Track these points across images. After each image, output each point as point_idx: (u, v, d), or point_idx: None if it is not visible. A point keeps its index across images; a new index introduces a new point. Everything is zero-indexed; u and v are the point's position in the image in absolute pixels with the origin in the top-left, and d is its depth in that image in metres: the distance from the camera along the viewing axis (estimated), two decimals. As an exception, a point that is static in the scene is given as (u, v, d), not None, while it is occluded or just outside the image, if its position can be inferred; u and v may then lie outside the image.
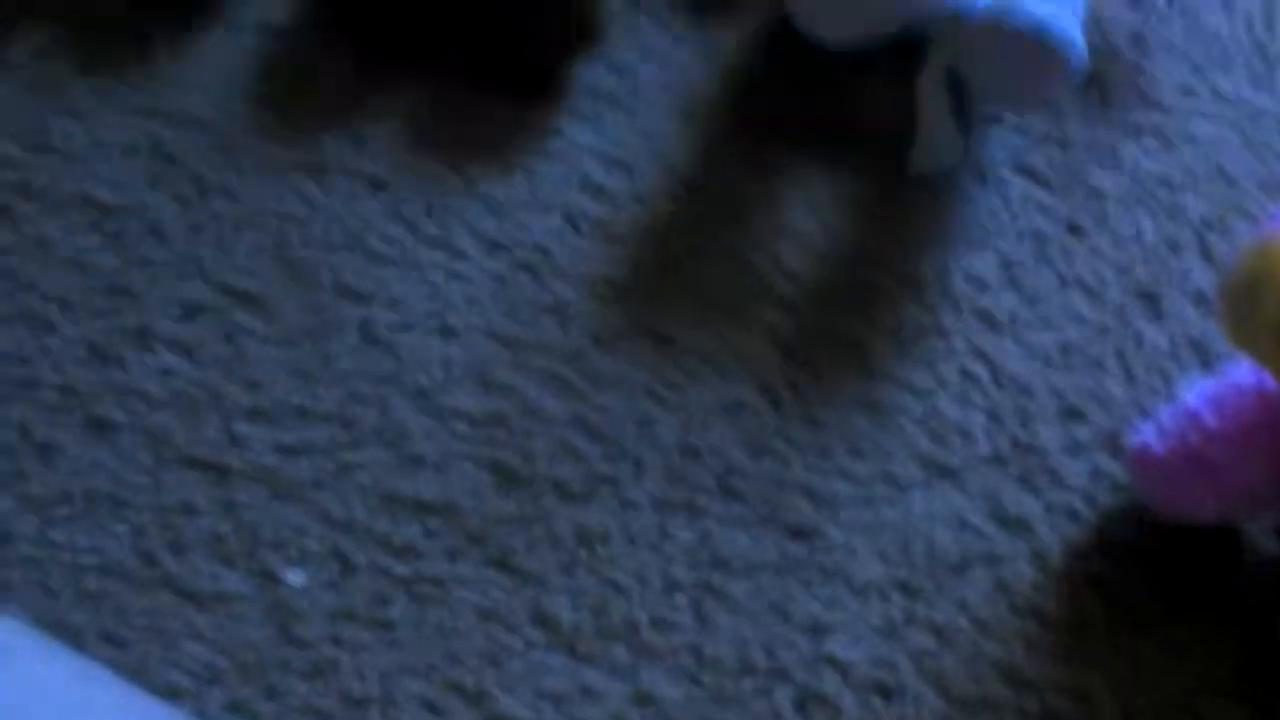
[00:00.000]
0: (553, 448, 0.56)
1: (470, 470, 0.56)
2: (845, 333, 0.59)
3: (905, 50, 0.62)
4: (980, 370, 0.59)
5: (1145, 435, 0.54)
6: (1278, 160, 0.65)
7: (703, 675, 0.52)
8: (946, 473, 0.57)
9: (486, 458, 0.56)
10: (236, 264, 0.59)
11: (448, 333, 0.58)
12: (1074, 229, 0.63)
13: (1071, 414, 0.58)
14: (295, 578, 0.53)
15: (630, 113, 0.64)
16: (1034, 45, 0.57)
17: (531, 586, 0.54)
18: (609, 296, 0.60)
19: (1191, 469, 0.53)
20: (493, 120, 0.63)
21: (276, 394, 0.56)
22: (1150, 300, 0.61)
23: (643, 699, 0.52)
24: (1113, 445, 0.57)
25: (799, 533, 0.55)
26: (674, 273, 0.60)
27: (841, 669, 0.53)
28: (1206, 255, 0.62)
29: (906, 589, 0.54)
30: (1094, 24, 0.64)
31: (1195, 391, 0.53)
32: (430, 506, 0.55)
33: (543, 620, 0.53)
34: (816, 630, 0.53)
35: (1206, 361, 0.59)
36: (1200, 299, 0.61)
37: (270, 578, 0.53)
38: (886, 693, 0.52)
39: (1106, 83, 0.65)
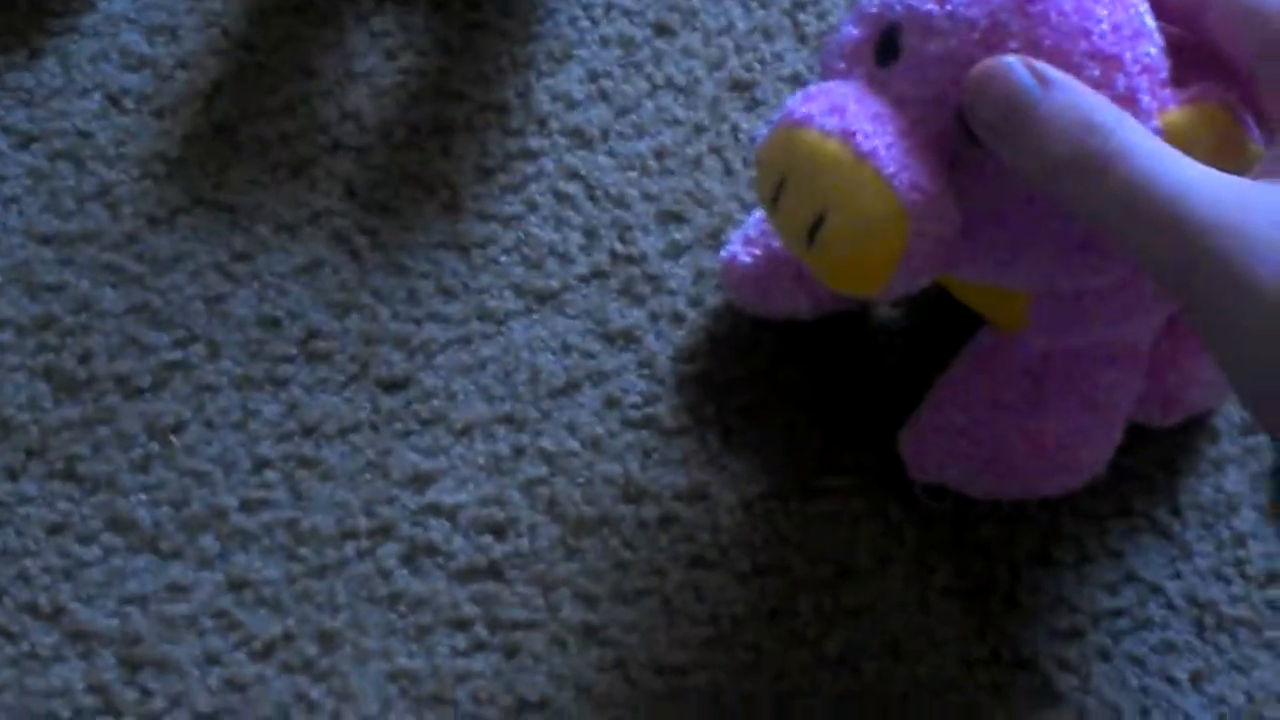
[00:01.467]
0: (113, 343, 0.52)
1: (22, 381, 0.51)
2: (425, 172, 0.56)
3: None
4: (573, 189, 0.56)
5: (732, 246, 0.52)
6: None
7: (301, 549, 0.49)
8: (545, 297, 0.54)
9: (39, 365, 0.51)
10: None
11: (-17, 239, 0.53)
12: (662, 29, 0.60)
13: (670, 218, 0.55)
14: None
15: (174, -21, 0.59)
16: None
17: (103, 492, 0.49)
18: (161, 173, 0.55)
19: (780, 272, 0.51)
20: (14, 4, 0.58)
21: None
22: (745, 90, 0.58)
23: (237, 584, 0.48)
24: (714, 243, 0.55)
25: (392, 385, 0.52)
26: (230, 137, 0.56)
27: (448, 514, 0.50)
28: (800, 38, 0.60)
29: (512, 421, 0.51)
30: None
31: None
32: (-19, 426, 0.50)
33: (119, 524, 0.49)
34: (418, 481, 0.50)
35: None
36: (796, 80, 0.59)
37: None
38: (499, 529, 0.49)
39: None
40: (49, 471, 0.50)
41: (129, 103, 0.56)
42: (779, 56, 0.59)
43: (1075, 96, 0.37)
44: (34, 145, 0.55)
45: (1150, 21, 0.40)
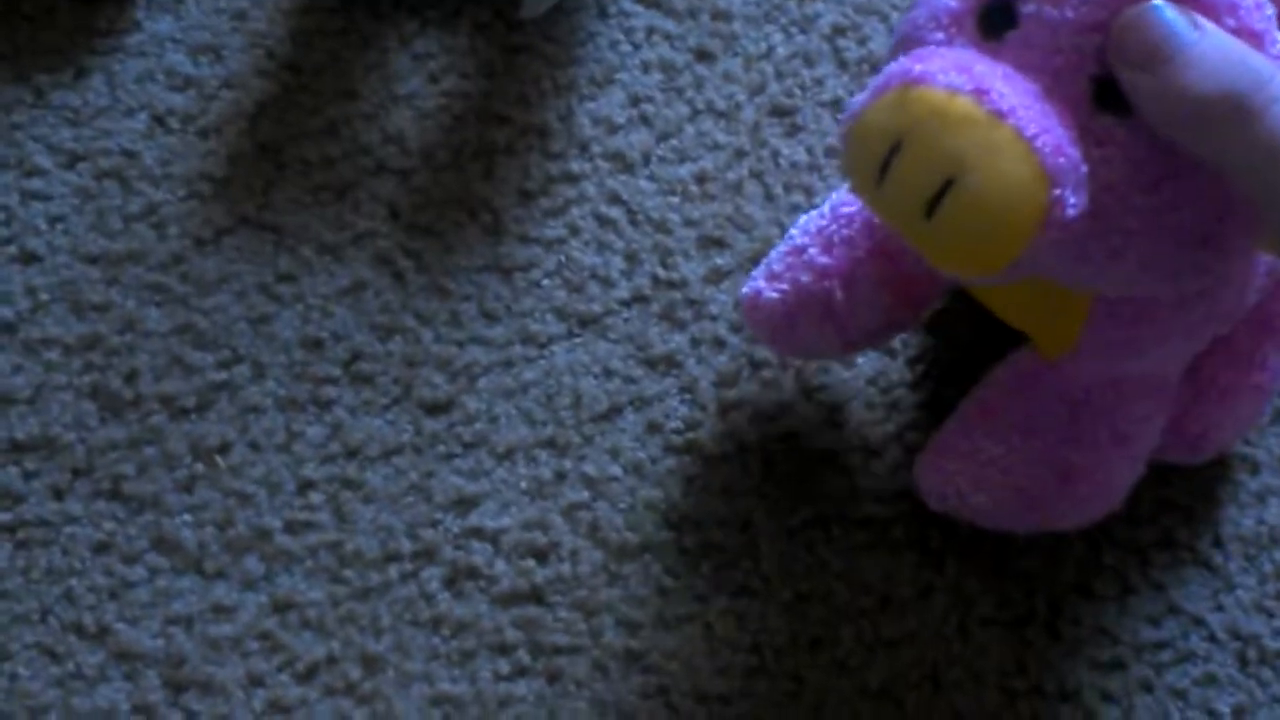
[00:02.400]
0: (159, 363, 0.52)
1: (69, 400, 0.51)
2: (468, 195, 0.56)
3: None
4: (615, 213, 0.56)
5: (755, 281, 0.50)
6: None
7: (345, 571, 0.49)
8: (587, 322, 0.54)
9: (86, 384, 0.52)
10: None
11: (29, 258, 0.54)
12: (702, 54, 0.60)
13: (711, 243, 0.56)
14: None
15: (218, 1, 0.59)
16: None
17: (149, 512, 0.50)
18: (206, 194, 0.55)
19: (809, 309, 0.49)
20: (57, 23, 0.58)
21: None
22: (785, 115, 0.59)
23: (281, 606, 0.49)
24: (754, 267, 0.55)
25: (435, 408, 0.52)
26: (274, 158, 0.56)
27: (491, 538, 0.50)
28: (840, 63, 0.60)
29: (554, 446, 0.51)
30: None
31: (802, 228, 0.50)
32: (27, 445, 0.50)
33: (164, 545, 0.49)
34: (461, 504, 0.50)
35: (846, 169, 0.57)
36: (836, 105, 0.59)
37: None
38: (541, 554, 0.50)
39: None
40: (95, 491, 0.50)
41: (174, 123, 0.56)
42: (819, 82, 0.59)
43: (1229, 41, 0.35)
44: (80, 165, 0.55)
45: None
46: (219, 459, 0.51)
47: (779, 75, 0.60)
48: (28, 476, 0.50)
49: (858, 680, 0.48)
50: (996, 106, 0.35)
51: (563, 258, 0.55)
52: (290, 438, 0.51)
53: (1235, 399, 0.48)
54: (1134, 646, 0.49)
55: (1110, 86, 0.37)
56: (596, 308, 0.54)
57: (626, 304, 0.54)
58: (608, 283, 0.55)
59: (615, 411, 0.52)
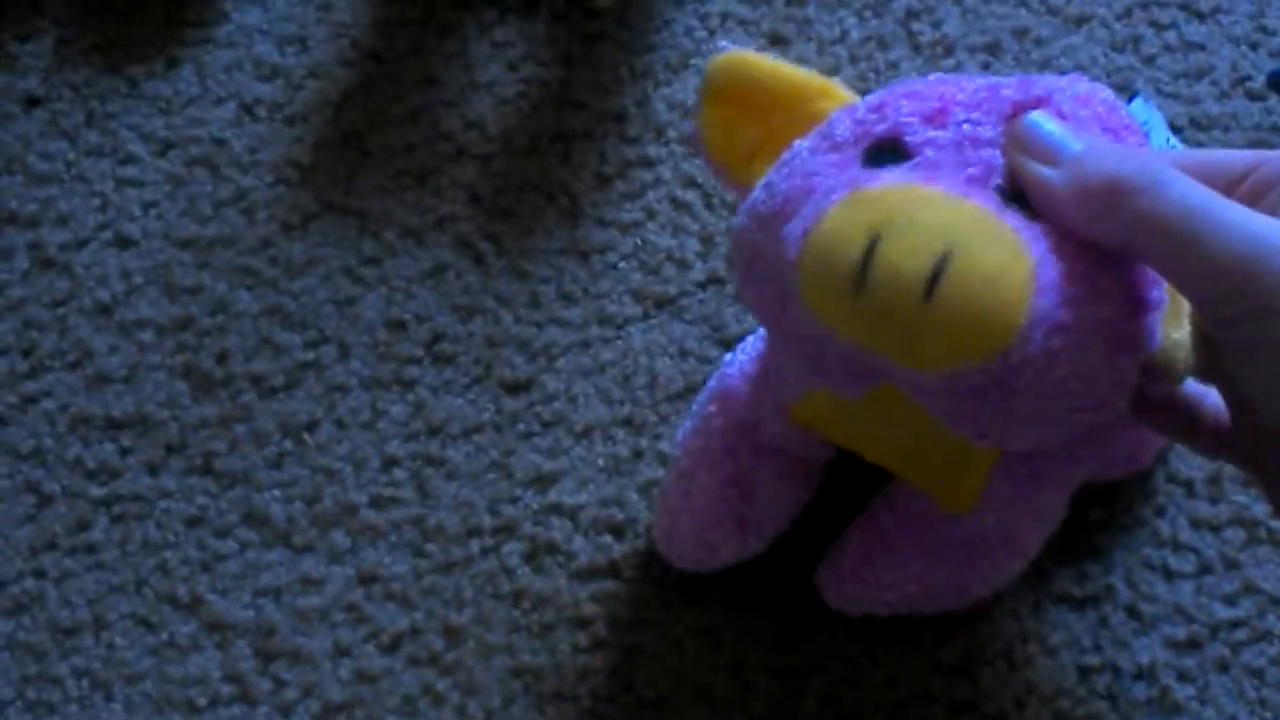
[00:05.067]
0: (248, 344, 0.54)
1: (163, 380, 0.53)
2: (546, 179, 0.57)
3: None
4: (690, 196, 0.57)
5: (660, 519, 0.49)
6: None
7: (428, 545, 0.50)
8: (663, 303, 0.55)
9: (179, 364, 0.53)
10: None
11: (124, 243, 0.55)
12: (776, 39, 0.60)
13: (786, 224, 0.56)
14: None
15: (303, -10, 0.61)
16: None
17: (240, 487, 0.51)
18: (294, 179, 0.57)
19: (723, 530, 0.47)
20: (149, 16, 0.60)
21: (-58, 332, 0.53)
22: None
23: (367, 579, 0.50)
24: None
25: (515, 387, 0.53)
26: (359, 145, 0.57)
27: (569, 514, 0.51)
28: (915, 46, 0.61)
29: (631, 424, 0.52)
30: None
31: (680, 445, 0.49)
32: (123, 423, 0.52)
33: (254, 518, 0.51)
34: (541, 481, 0.51)
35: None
36: (910, 90, 0.59)
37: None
38: (618, 530, 0.51)
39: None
40: (188, 467, 0.52)
41: (262, 111, 0.58)
42: (894, 65, 0.60)
43: (1107, 144, 0.37)
44: (171, 152, 0.57)
45: None
46: (307, 436, 0.52)
47: (853, 59, 0.60)
48: (124, 453, 0.52)
49: (932, 656, 0.49)
50: (969, 197, 0.35)
51: (639, 240, 0.56)
52: (375, 416, 0.52)
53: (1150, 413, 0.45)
54: (1210, 625, 0.49)
55: (1014, 196, 0.37)
56: (672, 289, 0.55)
57: (701, 286, 0.55)
58: (683, 265, 0.55)
59: (690, 391, 0.53)
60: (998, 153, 0.37)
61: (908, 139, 0.37)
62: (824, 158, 0.38)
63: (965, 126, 0.37)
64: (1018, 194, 0.36)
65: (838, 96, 0.42)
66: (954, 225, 0.34)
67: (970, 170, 0.36)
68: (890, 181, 0.36)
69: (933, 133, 0.37)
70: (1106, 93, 0.39)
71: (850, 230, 0.34)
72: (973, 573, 0.47)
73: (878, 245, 0.34)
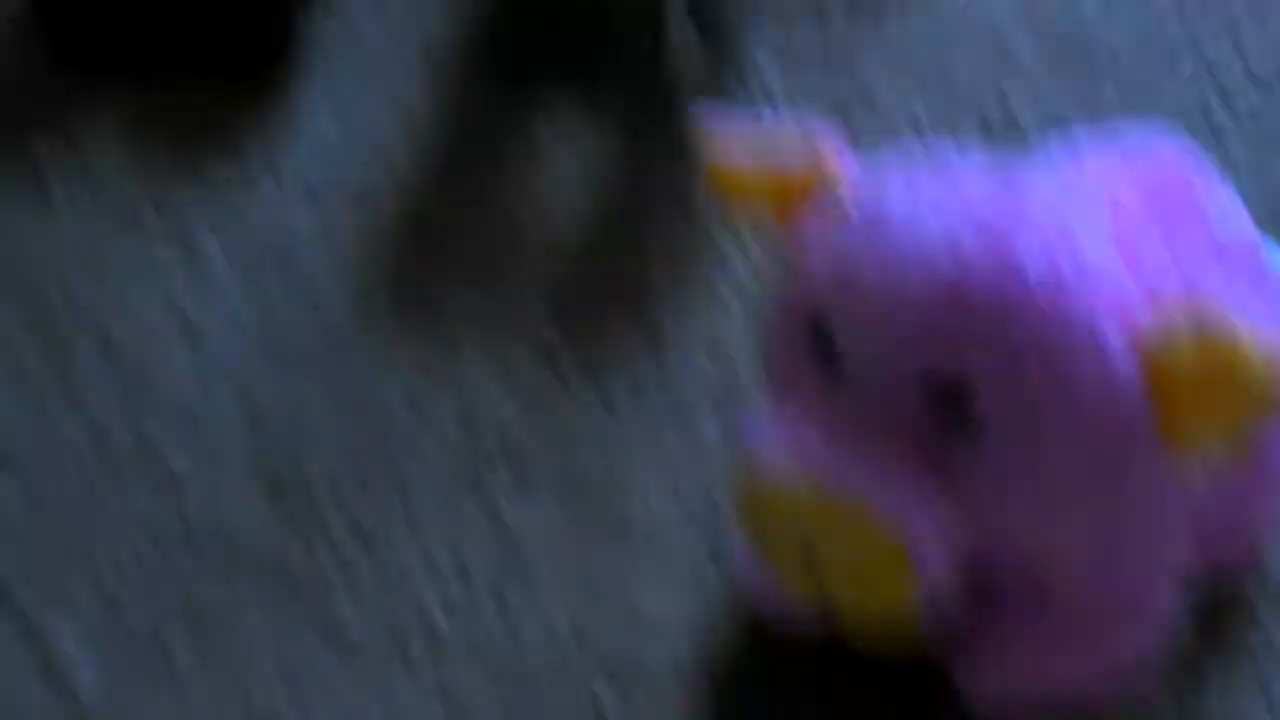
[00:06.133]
0: (320, 442, 0.53)
1: (235, 480, 0.53)
2: (618, 269, 0.56)
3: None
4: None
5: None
6: (1050, 25, 0.63)
7: (506, 657, 0.50)
8: (735, 393, 0.54)
9: (251, 465, 0.53)
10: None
11: (195, 339, 0.55)
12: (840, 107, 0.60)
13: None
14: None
15: (369, 74, 0.60)
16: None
17: (313, 592, 0.51)
18: (365, 271, 0.56)
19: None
20: (219, 106, 0.60)
21: (13, 433, 0.53)
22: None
23: (444, 692, 0.49)
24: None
25: (590, 488, 0.52)
26: (430, 236, 0.57)
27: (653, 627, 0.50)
28: (986, 126, 0.60)
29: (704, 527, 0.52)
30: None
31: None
32: (197, 525, 0.52)
33: (329, 625, 0.50)
34: (625, 593, 0.51)
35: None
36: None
37: (34, 634, 0.50)
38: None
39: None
40: (261, 572, 0.51)
41: (331, 200, 0.57)
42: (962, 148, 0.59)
43: None
44: (241, 245, 0.57)
45: None
46: (379, 541, 0.52)
47: (920, 139, 0.59)
48: (198, 557, 0.51)
49: None
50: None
51: (712, 334, 0.55)
52: (450, 520, 0.52)
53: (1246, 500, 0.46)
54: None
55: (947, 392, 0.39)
56: (744, 381, 0.54)
57: (777, 381, 0.54)
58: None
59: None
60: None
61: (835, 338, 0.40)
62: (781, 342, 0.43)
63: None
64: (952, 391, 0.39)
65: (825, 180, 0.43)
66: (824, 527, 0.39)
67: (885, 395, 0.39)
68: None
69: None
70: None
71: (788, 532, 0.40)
72: None
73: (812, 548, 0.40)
